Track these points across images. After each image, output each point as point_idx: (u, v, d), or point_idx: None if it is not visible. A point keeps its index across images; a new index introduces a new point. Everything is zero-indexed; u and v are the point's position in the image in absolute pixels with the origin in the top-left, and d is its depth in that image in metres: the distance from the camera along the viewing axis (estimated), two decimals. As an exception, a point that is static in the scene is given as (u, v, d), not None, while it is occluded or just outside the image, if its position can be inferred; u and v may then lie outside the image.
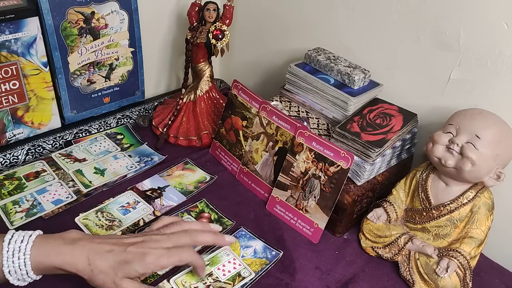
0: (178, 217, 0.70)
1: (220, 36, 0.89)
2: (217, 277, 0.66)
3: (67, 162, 0.85)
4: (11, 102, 0.84)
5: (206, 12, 0.89)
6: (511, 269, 0.74)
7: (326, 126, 0.84)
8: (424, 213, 0.71)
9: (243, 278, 0.67)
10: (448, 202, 0.69)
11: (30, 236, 0.55)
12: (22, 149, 0.87)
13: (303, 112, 0.87)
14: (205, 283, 0.65)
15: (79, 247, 0.56)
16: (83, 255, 0.56)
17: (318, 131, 0.83)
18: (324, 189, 0.73)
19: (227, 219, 0.77)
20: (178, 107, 0.95)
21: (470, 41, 0.73)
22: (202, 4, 0.90)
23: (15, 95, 0.84)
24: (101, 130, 0.96)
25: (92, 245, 0.57)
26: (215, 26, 0.89)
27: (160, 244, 0.59)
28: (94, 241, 0.58)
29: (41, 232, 0.57)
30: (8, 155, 0.85)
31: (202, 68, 0.95)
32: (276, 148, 0.81)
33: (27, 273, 0.54)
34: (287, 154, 0.78)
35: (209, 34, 0.89)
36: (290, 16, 1.00)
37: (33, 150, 0.88)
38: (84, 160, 0.87)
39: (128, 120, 1.01)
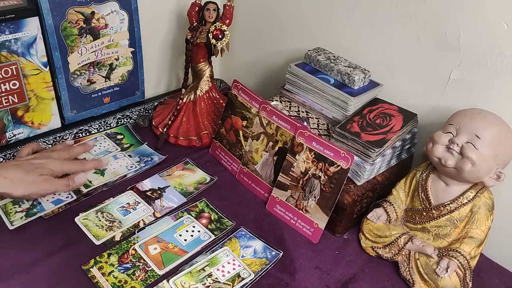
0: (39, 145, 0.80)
1: (220, 36, 0.89)
2: (216, 278, 0.66)
3: (67, 162, 0.85)
4: (11, 102, 0.84)
5: (206, 12, 0.89)
6: (511, 269, 0.74)
7: (326, 126, 0.84)
8: (424, 213, 0.71)
9: (243, 279, 0.67)
10: (448, 202, 0.69)
11: None
12: (22, 149, 0.87)
13: (303, 112, 0.87)
14: (205, 283, 0.65)
15: None
16: None
17: (318, 131, 0.83)
18: (324, 189, 0.73)
19: (227, 219, 0.77)
20: (178, 107, 0.95)
21: (470, 41, 0.73)
22: (202, 4, 0.90)
23: (15, 95, 0.84)
24: (101, 130, 0.96)
25: None
26: (215, 26, 0.89)
27: (58, 155, 0.73)
28: None
29: None
30: (8, 155, 0.85)
31: (202, 68, 0.95)
32: (276, 148, 0.81)
33: None
34: (287, 154, 0.78)
35: (209, 34, 0.89)
36: (290, 16, 1.00)
37: (33, 150, 0.88)
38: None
39: (128, 120, 1.01)
